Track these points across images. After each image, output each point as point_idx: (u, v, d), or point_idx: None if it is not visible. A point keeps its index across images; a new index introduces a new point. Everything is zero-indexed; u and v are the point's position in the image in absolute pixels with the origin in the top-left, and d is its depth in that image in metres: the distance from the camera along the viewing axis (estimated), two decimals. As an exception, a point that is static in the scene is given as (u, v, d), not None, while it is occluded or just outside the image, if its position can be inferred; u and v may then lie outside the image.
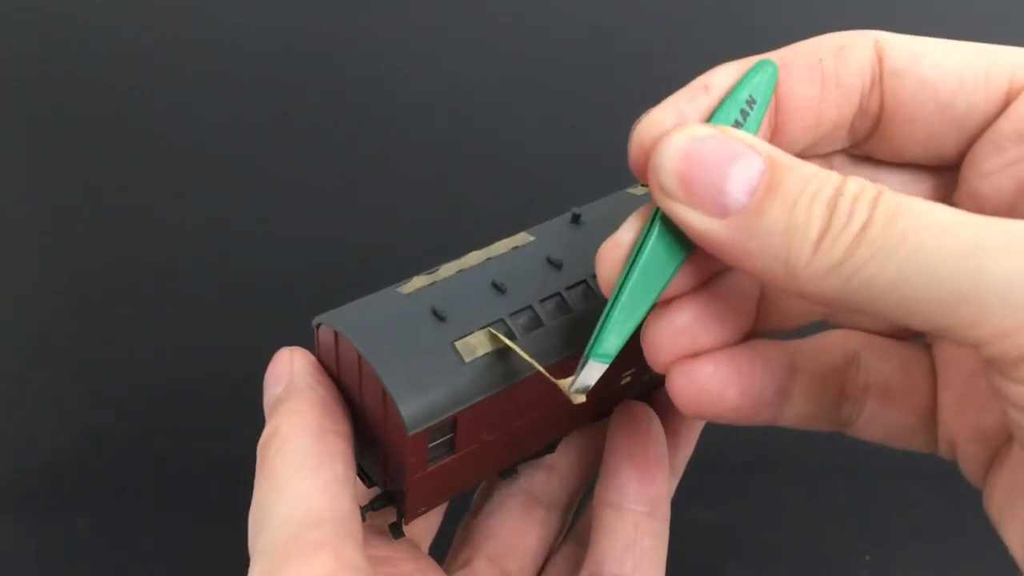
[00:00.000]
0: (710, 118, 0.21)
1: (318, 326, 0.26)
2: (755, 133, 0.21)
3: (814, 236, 0.18)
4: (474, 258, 0.26)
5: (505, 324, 0.25)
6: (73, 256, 0.53)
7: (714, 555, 0.49)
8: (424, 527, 0.30)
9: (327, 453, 0.24)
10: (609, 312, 0.22)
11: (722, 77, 0.22)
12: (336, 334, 0.25)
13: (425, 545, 0.30)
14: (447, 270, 0.26)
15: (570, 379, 0.23)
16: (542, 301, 0.25)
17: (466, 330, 0.24)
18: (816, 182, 0.19)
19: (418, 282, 0.25)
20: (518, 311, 0.25)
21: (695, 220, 0.20)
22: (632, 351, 0.27)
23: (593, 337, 0.22)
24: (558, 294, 0.25)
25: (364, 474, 0.27)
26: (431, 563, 0.28)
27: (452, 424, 0.24)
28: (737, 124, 0.21)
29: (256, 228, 0.53)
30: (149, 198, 0.52)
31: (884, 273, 0.18)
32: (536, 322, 0.25)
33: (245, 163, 0.52)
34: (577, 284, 0.26)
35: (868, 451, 0.50)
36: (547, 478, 0.30)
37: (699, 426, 0.31)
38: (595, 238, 0.27)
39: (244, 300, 0.53)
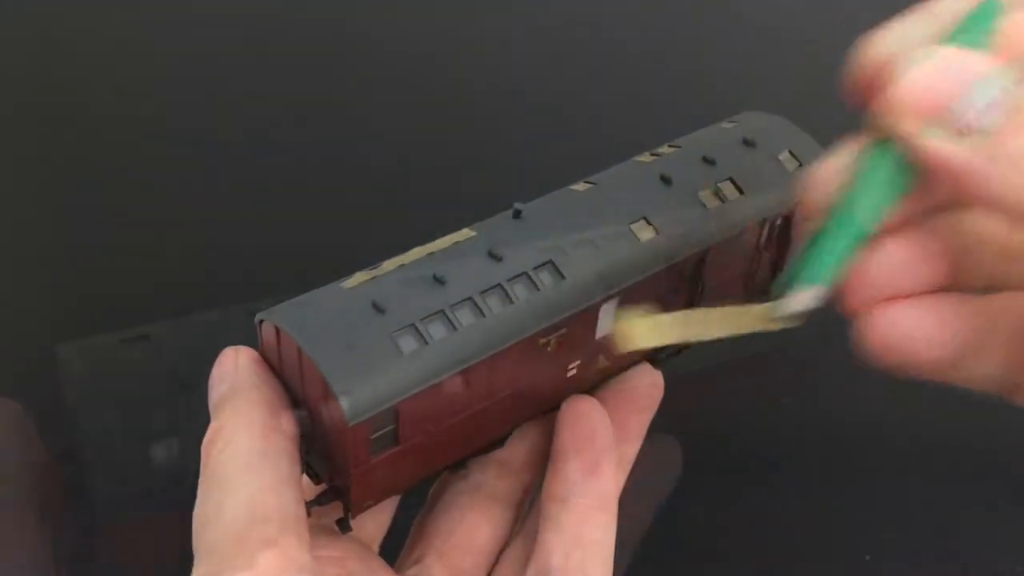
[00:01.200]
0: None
1: (260, 322, 0.26)
2: None
3: None
4: (416, 253, 0.26)
5: (445, 316, 0.24)
6: (73, 255, 0.53)
7: (714, 555, 0.49)
8: (374, 526, 0.30)
9: (272, 452, 0.24)
10: (822, 236, 0.21)
11: (950, 4, 0.21)
12: (277, 330, 0.25)
13: (376, 544, 0.30)
14: (389, 265, 0.26)
15: (764, 305, 0.22)
16: (483, 293, 0.25)
17: (406, 322, 0.24)
18: None
19: (359, 277, 0.25)
20: (458, 303, 0.25)
21: (935, 142, 0.19)
22: (583, 341, 0.27)
23: (800, 262, 0.21)
24: (499, 285, 0.25)
25: (312, 471, 0.27)
26: (380, 562, 0.28)
27: (394, 414, 0.24)
28: None
29: (258, 229, 0.53)
30: (150, 199, 0.52)
31: None
32: (477, 313, 0.25)
33: (246, 166, 0.52)
34: (518, 276, 0.26)
35: (869, 451, 0.49)
36: (499, 473, 0.30)
37: (647, 419, 0.30)
38: (536, 233, 0.26)
39: (244, 301, 0.53)
